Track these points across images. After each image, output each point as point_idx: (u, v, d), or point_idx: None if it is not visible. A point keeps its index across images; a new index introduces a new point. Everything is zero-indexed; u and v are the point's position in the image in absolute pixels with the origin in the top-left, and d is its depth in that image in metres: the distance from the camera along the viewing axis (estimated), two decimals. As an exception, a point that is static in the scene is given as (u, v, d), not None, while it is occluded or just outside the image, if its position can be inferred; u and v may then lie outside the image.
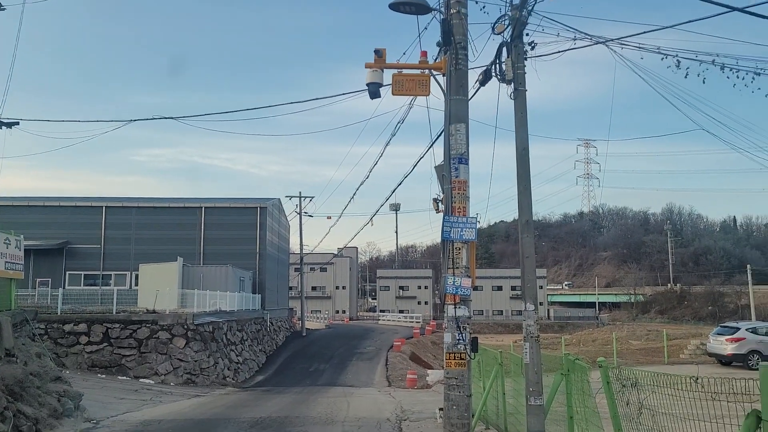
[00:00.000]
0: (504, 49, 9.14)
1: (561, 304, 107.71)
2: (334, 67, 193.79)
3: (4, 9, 12.79)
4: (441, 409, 10.13)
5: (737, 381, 4.20)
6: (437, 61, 8.49)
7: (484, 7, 9.06)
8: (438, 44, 8.33)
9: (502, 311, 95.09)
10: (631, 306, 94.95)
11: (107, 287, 34.54)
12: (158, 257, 33.18)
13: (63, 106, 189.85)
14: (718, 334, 26.09)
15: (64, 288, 30.49)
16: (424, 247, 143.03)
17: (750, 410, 3.99)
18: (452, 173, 8.08)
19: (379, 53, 8.42)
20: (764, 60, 9.62)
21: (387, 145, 13.89)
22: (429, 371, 29.41)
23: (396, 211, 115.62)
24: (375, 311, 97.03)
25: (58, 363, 19.70)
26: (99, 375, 21.88)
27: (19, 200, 40.14)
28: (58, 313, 23.79)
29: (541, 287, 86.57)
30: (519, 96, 9.13)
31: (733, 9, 7.82)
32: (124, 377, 22.19)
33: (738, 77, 9.55)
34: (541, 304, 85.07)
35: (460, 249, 8.02)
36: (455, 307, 7.96)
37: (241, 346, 30.75)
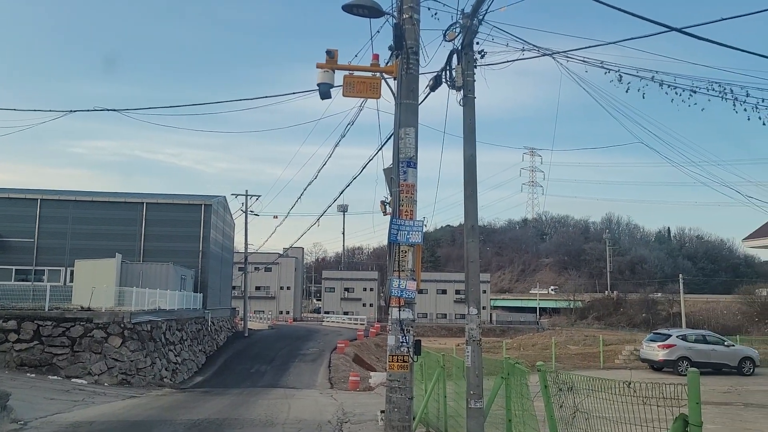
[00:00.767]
0: (455, 56, 9.25)
1: (503, 308, 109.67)
2: (285, 65, 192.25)
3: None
4: (382, 412, 10.15)
5: (667, 386, 4.36)
6: (389, 64, 8.52)
7: (436, 14, 9.15)
8: (390, 48, 8.37)
9: (446, 314, 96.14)
10: (570, 312, 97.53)
11: (40, 283, 33.19)
12: (96, 253, 32.11)
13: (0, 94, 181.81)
14: (651, 340, 27.03)
15: (-7, 283, 29.16)
16: (371, 249, 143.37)
17: (678, 414, 4.15)
18: (401, 176, 8.12)
19: (330, 54, 8.39)
20: (700, 78, 10.04)
21: (336, 146, 13.86)
22: (372, 373, 29.48)
23: (344, 212, 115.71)
24: (319, 312, 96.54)
25: (-15, 361, 18.80)
26: (28, 374, 21.00)
27: (-54, 190, 38.20)
28: (-14, 309, 22.72)
29: (484, 291, 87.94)
30: (468, 103, 9.25)
31: (672, 29, 8.14)
32: (56, 377, 21.36)
33: (676, 94, 9.93)
34: (484, 308, 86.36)
35: (406, 252, 8.05)
36: (400, 310, 7.99)
37: (180, 346, 30.08)
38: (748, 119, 10.12)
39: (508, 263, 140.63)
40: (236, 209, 49.76)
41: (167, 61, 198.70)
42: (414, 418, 9.84)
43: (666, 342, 25.73)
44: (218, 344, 39.62)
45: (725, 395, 18.43)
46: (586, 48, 9.83)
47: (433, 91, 9.75)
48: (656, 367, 26.04)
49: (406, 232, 7.98)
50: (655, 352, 25.84)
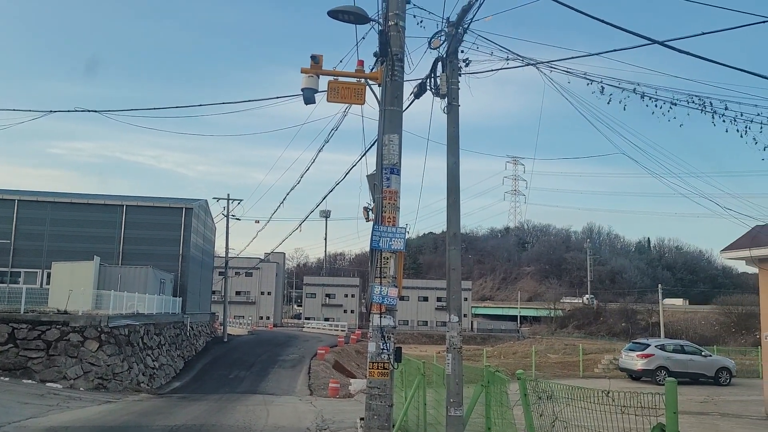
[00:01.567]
0: (439, 63, 9.29)
1: (484, 316, 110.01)
2: (269, 70, 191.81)
3: None
4: (362, 419, 10.09)
5: (645, 395, 4.38)
6: (374, 71, 8.51)
7: (421, 22, 9.19)
8: (375, 55, 8.37)
9: (427, 322, 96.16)
10: (550, 320, 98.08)
11: (16, 285, 32.65)
12: (74, 256, 31.68)
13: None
14: (630, 350, 27.25)
15: (-33, 284, 28.65)
16: (353, 255, 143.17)
17: (656, 424, 4.17)
18: (384, 183, 8.10)
19: (315, 59, 8.37)
20: (680, 91, 10.17)
21: (320, 151, 13.81)
22: (352, 380, 29.36)
23: (326, 218, 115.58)
24: (300, 318, 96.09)
25: (-43, 364, 18.43)
26: (2, 378, 20.61)
27: None
28: (-40, 311, 22.30)
29: (466, 299, 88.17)
30: (452, 111, 9.29)
31: (654, 42, 8.24)
32: (30, 381, 20.99)
33: (656, 106, 10.06)
34: (465, 315, 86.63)
35: (388, 259, 8.03)
36: (381, 317, 7.95)
37: (158, 351, 29.73)
38: (726, 131, 10.26)
39: (490, 271, 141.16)
40: (218, 213, 49.46)
41: (149, 62, 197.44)
42: (393, 426, 9.80)
43: (644, 352, 25.95)
44: (197, 349, 39.23)
45: (702, 405, 18.61)
46: (569, 59, 9.93)
47: (418, 98, 9.78)
48: (635, 376, 26.24)
49: (388, 239, 7.97)
50: (634, 361, 26.05)
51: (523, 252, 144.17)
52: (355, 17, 8.04)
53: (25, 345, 22.03)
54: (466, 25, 9.05)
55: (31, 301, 25.33)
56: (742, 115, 10.14)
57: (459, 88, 9.36)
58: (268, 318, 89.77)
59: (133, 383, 23.68)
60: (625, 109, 10.12)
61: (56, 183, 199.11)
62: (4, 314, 22.70)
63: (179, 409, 18.14)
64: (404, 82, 8.57)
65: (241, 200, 48.84)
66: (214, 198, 48.78)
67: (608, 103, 10.12)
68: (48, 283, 31.41)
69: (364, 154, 10.20)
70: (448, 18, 9.24)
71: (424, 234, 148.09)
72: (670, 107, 10.15)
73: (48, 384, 21.00)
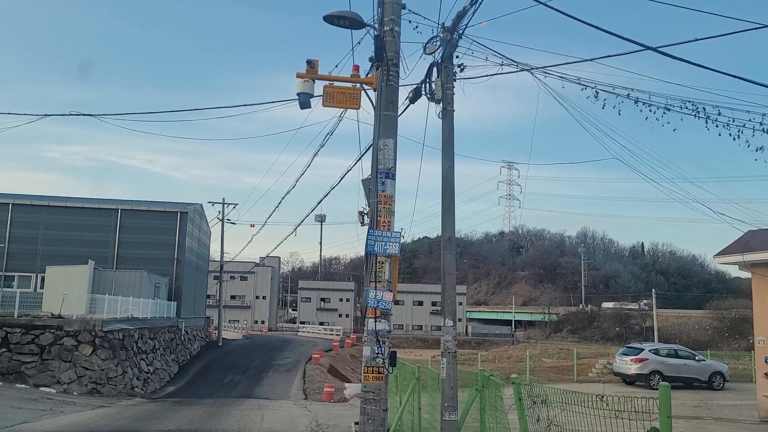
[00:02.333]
0: (434, 69, 9.33)
1: (479, 320, 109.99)
2: (265, 74, 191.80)
3: None
4: (356, 423, 10.10)
5: (639, 400, 4.41)
6: (369, 75, 8.55)
7: (417, 27, 9.23)
8: (370, 59, 8.40)
9: (422, 326, 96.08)
10: (545, 325, 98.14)
11: (9, 289, 32.51)
12: (68, 260, 31.57)
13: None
14: (624, 354, 27.32)
15: (-40, 288, 28.51)
16: (348, 259, 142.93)
17: (650, 428, 4.20)
18: (379, 187, 8.13)
19: (311, 64, 8.40)
20: (674, 97, 10.23)
21: (315, 155, 13.84)
22: (347, 384, 29.34)
23: (321, 222, 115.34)
24: (295, 322, 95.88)
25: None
26: (-5, 382, 20.53)
27: None
28: (-47, 315, 22.19)
29: (460, 303, 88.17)
30: (447, 116, 9.33)
31: (647, 48, 8.29)
32: (23, 385, 20.91)
33: (650, 111, 10.12)
34: (459, 320, 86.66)
35: (383, 263, 8.05)
36: (375, 321, 7.97)
37: (153, 355, 29.63)
38: (719, 135, 10.33)
39: (485, 276, 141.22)
40: (213, 217, 49.34)
41: (144, 66, 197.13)
42: (388, 430, 9.80)
43: (638, 356, 26.02)
44: (191, 354, 39.11)
45: (696, 409, 18.68)
46: (563, 64, 9.97)
47: (413, 103, 9.82)
48: (629, 380, 26.29)
49: (383, 243, 7.99)
50: (628, 365, 26.11)
51: (517, 256, 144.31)
52: (351, 22, 8.08)
53: (19, 349, 21.94)
54: (461, 31, 9.10)
55: (25, 305, 25.25)
56: (734, 120, 10.21)
57: (454, 93, 9.41)
58: (263, 322, 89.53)
59: (127, 387, 23.60)
60: (619, 114, 10.17)
61: (51, 187, 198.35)
62: (-3, 318, 22.61)
63: (173, 413, 18.09)
64: (399, 87, 8.61)
65: (236, 204, 48.71)
66: (209, 202, 48.63)
67: (602, 108, 10.18)
68: (42, 287, 31.30)
69: (360, 158, 10.23)
70: (443, 23, 9.29)
71: (419, 238, 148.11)
72: (664, 112, 10.21)
73: (41, 388, 20.91)
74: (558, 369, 34.60)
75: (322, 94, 8.35)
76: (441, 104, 9.29)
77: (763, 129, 10.21)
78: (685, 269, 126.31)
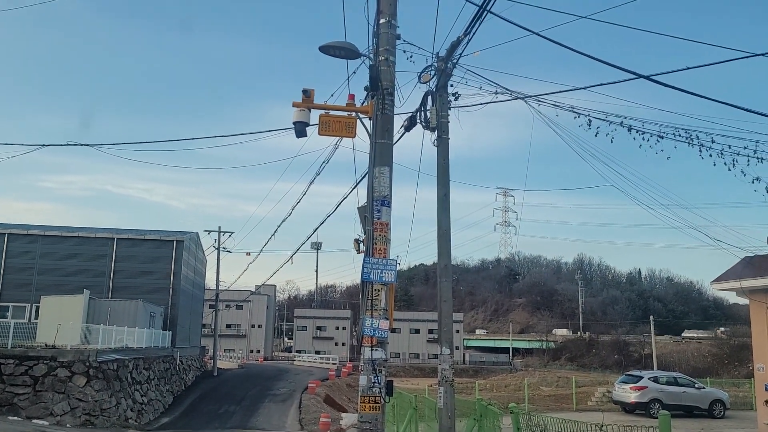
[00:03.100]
0: (429, 97, 9.44)
1: (476, 348, 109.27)
2: (261, 103, 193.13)
3: None
4: (353, 454, 9.97)
5: (639, 428, 4.38)
6: (364, 104, 8.62)
7: (411, 57, 9.36)
8: (366, 88, 8.49)
9: (418, 354, 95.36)
10: (543, 352, 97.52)
11: (4, 320, 32.23)
12: (64, 289, 31.38)
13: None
14: (623, 382, 27.09)
15: (-47, 319, 28.25)
16: (344, 287, 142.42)
17: (649, 456, 4.16)
18: (375, 215, 8.14)
19: (307, 93, 8.48)
20: (667, 124, 10.34)
21: (311, 183, 13.87)
22: (343, 414, 28.98)
23: (317, 249, 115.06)
24: (291, 351, 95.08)
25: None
26: (-14, 415, 20.23)
27: None
28: (-55, 346, 21.94)
29: (457, 331, 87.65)
30: (442, 143, 9.40)
31: (640, 76, 8.40)
32: (16, 417, 20.59)
33: (644, 139, 10.22)
34: (457, 348, 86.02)
35: (379, 291, 8.02)
36: (372, 350, 7.91)
37: (147, 386, 29.28)
38: (714, 165, 10.41)
39: (481, 303, 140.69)
40: (209, 246, 49.24)
41: (142, 96, 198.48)
42: (385, 461, 9.66)
43: (638, 384, 25.81)
44: (186, 384, 38.66)
45: (696, 438, 18.47)
46: (557, 92, 10.10)
47: (408, 131, 9.90)
48: (628, 409, 26.02)
49: (379, 271, 7.97)
50: (627, 394, 25.88)
51: (514, 283, 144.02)
52: (347, 52, 8.18)
53: (12, 381, 21.66)
54: (455, 60, 9.23)
55: (19, 335, 25.00)
56: (729, 147, 10.30)
57: (449, 122, 9.50)
58: (258, 351, 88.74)
59: (121, 419, 23.26)
60: (612, 142, 10.27)
61: (47, 216, 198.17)
62: (-10, 349, 22.37)
63: (167, 445, 17.82)
64: (395, 116, 8.68)
65: (232, 233, 48.72)
66: (205, 231, 48.61)
67: (596, 135, 10.28)
68: (37, 317, 31.04)
69: (356, 186, 10.26)
70: (438, 53, 9.43)
71: (415, 266, 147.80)
72: (657, 140, 10.31)
73: (34, 420, 20.60)
74: (557, 398, 34.26)
75: (318, 122, 8.42)
76: (436, 132, 9.37)
77: (757, 157, 10.28)
78: (683, 296, 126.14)
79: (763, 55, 7.88)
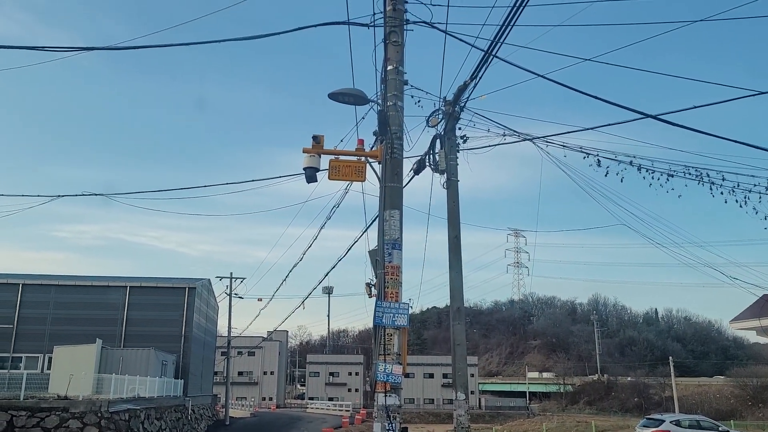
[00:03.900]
0: (438, 141, 9.54)
1: (492, 392, 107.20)
2: (271, 150, 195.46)
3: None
4: (368, 505, 9.73)
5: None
6: (373, 149, 8.72)
7: (419, 101, 9.50)
8: (374, 133, 8.61)
9: (433, 400, 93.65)
10: (560, 396, 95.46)
11: (16, 371, 32.14)
12: (77, 338, 31.35)
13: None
14: (644, 426, 26.43)
15: (-34, 371, 28.21)
16: (356, 331, 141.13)
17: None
18: (386, 258, 8.14)
19: (317, 139, 8.60)
20: (677, 163, 10.34)
21: (322, 228, 13.94)
22: (358, 463, 28.39)
23: (329, 294, 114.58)
24: (304, 398, 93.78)
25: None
26: (-3, 468, 19.98)
27: (-75, 275, 37.57)
28: (-42, 399, 21.86)
29: (472, 375, 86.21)
30: (451, 186, 9.45)
31: (647, 116, 8.47)
32: (26, 471, 20.34)
33: (653, 178, 10.22)
34: (472, 392, 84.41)
35: (392, 335, 7.96)
36: (386, 396, 7.80)
37: (159, 436, 28.90)
38: (725, 202, 10.36)
39: (496, 346, 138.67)
40: (220, 292, 49.19)
41: (153, 144, 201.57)
42: None
43: (659, 428, 25.17)
44: (198, 434, 38.13)
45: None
46: (565, 133, 10.17)
47: (417, 174, 9.97)
48: (651, 453, 25.31)
49: (391, 315, 7.92)
50: (649, 438, 25.22)
51: (528, 325, 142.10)
52: (355, 99, 8.32)
53: (23, 432, 21.47)
54: (462, 104, 9.35)
55: (32, 386, 24.91)
56: (739, 185, 10.27)
57: (458, 164, 9.57)
58: (270, 399, 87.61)
59: (131, 471, 22.90)
60: (622, 181, 10.27)
61: (61, 266, 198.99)
62: (3, 401, 22.25)
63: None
64: (404, 159, 8.77)
65: (243, 278, 48.61)
66: (216, 277, 48.55)
67: (606, 175, 10.29)
68: (49, 367, 30.95)
69: (366, 230, 10.29)
70: (445, 97, 9.56)
71: (427, 308, 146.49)
72: (668, 178, 10.30)
73: (44, 474, 20.32)
74: (576, 443, 33.44)
75: (327, 167, 8.51)
76: (445, 175, 9.44)
77: (769, 193, 10.23)
78: (702, 335, 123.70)
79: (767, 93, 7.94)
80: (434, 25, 8.69)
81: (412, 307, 8.47)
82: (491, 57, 8.71)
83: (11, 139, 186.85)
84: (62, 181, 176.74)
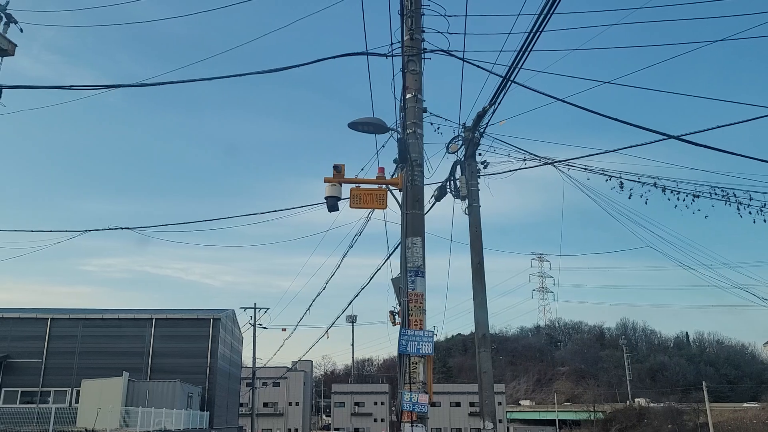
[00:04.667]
0: (458, 167, 9.56)
1: (521, 421, 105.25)
2: (291, 180, 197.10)
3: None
4: None
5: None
6: (394, 176, 8.76)
7: (438, 128, 9.55)
8: (395, 161, 8.65)
9: (460, 429, 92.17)
10: (591, 424, 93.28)
11: (45, 405, 32.37)
12: (104, 371, 31.55)
13: (15, 214, 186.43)
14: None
15: (-3, 406, 28.50)
16: (381, 360, 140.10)
17: None
18: (409, 286, 8.11)
19: (337, 168, 8.67)
20: (702, 183, 10.20)
21: (344, 256, 13.95)
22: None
23: (352, 323, 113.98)
24: (329, 429, 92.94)
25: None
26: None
27: (-42, 311, 38.24)
28: (-13, 433, 22.07)
29: (500, 403, 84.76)
30: (473, 211, 9.42)
31: (670, 136, 8.40)
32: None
33: (678, 199, 10.08)
34: (500, 421, 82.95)
35: (417, 363, 7.89)
36: (412, 426, 7.70)
37: (186, 469, 28.79)
38: (754, 222, 10.18)
39: (523, 373, 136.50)
40: (244, 322, 49.24)
41: (175, 176, 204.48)
42: None
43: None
44: (224, 466, 37.88)
45: None
46: (586, 156, 10.12)
47: (439, 200, 9.97)
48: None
49: (416, 343, 7.86)
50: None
51: (556, 351, 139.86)
52: (375, 128, 8.39)
53: (51, 467, 21.55)
54: (481, 130, 9.38)
55: (61, 420, 25.07)
56: (766, 205, 10.09)
57: (479, 189, 9.56)
58: (296, 430, 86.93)
59: (158, 505, 22.80)
60: (646, 203, 10.16)
61: (88, 300, 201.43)
62: (30, 435, 22.42)
63: None
64: (425, 186, 8.79)
65: (267, 308, 48.59)
66: (241, 307, 48.65)
67: (629, 198, 10.19)
68: (77, 401, 31.13)
69: (388, 257, 10.28)
70: (464, 123, 9.60)
71: (452, 336, 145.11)
72: (693, 199, 10.16)
73: None
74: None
75: (349, 196, 8.55)
76: (466, 201, 9.42)
77: (798, 212, 10.04)
78: (735, 359, 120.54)
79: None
80: (452, 53, 8.78)
81: (436, 334, 8.39)
82: (509, 83, 8.75)
83: (41, 176, 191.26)
84: (90, 215, 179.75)
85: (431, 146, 11.83)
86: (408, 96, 8.55)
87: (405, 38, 8.66)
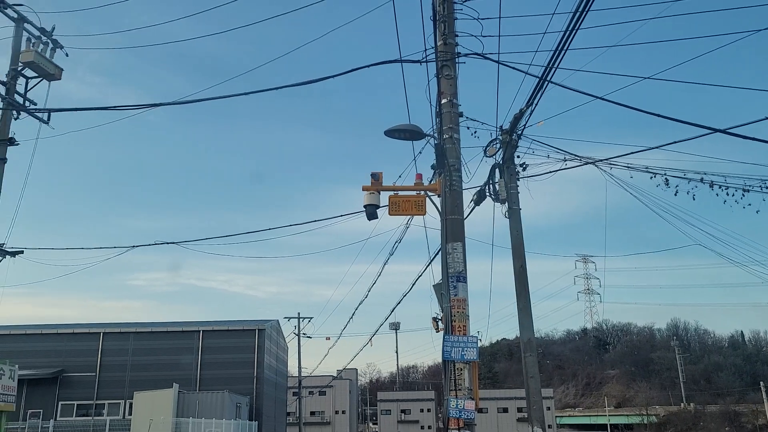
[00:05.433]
0: (497, 170, 9.47)
1: (571, 426, 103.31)
2: (330, 188, 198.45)
3: (17, 144, 13.34)
4: None
5: None
6: (432, 182, 8.74)
7: (475, 132, 9.49)
8: (432, 167, 8.63)
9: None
10: (644, 428, 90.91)
11: (100, 418, 33.23)
12: (154, 383, 32.21)
13: (68, 231, 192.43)
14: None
15: (55, 420, 29.39)
16: (426, 366, 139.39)
17: None
18: (451, 292, 8.06)
19: (375, 176, 8.69)
20: (752, 177, 9.89)
21: (385, 264, 13.99)
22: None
23: (396, 330, 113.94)
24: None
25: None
26: None
27: (17, 329, 39.66)
28: (46, 446, 22.75)
29: (548, 408, 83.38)
30: (513, 215, 9.32)
31: (715, 130, 8.16)
32: None
33: (727, 194, 9.80)
34: (549, 426, 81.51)
35: (461, 369, 7.83)
36: (459, 432, 7.63)
37: (236, 479, 29.12)
38: (808, 214, 9.82)
39: (571, 377, 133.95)
40: (289, 332, 49.68)
41: (217, 189, 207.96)
42: None
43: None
44: (274, 476, 38.18)
45: None
46: (629, 154, 9.91)
47: (478, 205, 9.90)
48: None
49: (460, 349, 7.80)
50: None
51: (604, 354, 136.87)
52: (411, 134, 8.39)
53: (107, 478, 22.08)
54: (519, 132, 9.28)
55: (114, 432, 25.67)
56: (820, 195, 9.73)
57: (518, 192, 9.46)
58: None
59: None
60: (694, 199, 9.89)
61: (137, 314, 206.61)
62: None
63: None
64: (463, 191, 8.73)
65: (311, 318, 48.97)
66: (285, 317, 49.17)
67: (675, 194, 9.94)
68: (130, 413, 31.89)
69: (429, 263, 10.25)
70: (501, 126, 9.52)
71: (497, 341, 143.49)
72: (743, 194, 9.86)
73: None
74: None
75: (387, 203, 8.56)
76: (506, 204, 9.33)
77: None
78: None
79: None
80: (486, 56, 8.72)
81: (480, 339, 8.32)
82: (546, 83, 8.64)
83: (89, 195, 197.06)
84: (134, 231, 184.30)
85: (468, 150, 11.77)
86: (443, 101, 8.52)
87: (438, 43, 8.65)
